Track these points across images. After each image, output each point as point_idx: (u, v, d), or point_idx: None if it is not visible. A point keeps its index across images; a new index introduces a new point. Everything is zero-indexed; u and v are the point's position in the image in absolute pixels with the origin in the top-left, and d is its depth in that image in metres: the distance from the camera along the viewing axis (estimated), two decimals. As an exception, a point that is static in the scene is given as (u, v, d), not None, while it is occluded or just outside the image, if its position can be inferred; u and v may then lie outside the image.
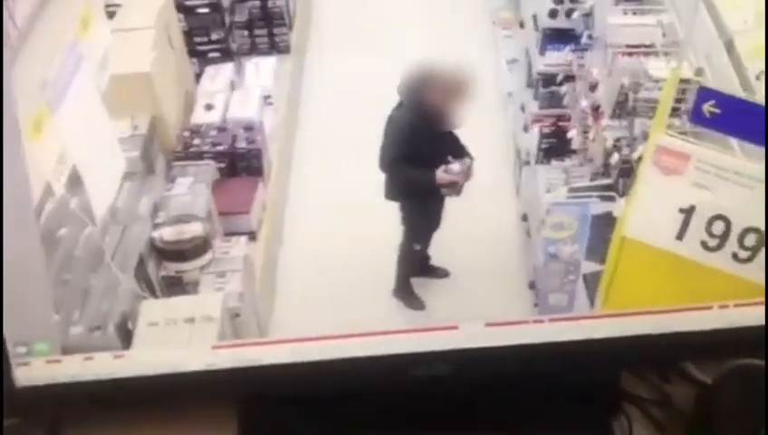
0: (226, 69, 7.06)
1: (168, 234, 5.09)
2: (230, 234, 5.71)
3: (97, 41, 5.63)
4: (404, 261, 6.09)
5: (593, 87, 5.53)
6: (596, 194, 4.87)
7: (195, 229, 5.16)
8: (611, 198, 4.81)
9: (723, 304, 2.86)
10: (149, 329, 4.47)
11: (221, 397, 3.95)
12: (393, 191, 5.66)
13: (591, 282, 4.75)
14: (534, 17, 6.54)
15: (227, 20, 7.46)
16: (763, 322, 2.84)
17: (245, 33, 8.12)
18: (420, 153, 5.33)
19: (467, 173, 5.48)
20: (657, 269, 3.66)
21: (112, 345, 4.30)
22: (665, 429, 3.73)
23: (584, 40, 5.93)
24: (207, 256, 5.21)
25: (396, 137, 5.33)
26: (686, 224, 3.58)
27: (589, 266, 4.80)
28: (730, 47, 4.68)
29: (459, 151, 5.54)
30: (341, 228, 6.88)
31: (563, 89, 6.15)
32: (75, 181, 4.12)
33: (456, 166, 5.51)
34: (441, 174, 5.46)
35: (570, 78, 6.10)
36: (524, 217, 6.45)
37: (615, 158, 4.97)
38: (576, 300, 5.03)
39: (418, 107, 5.21)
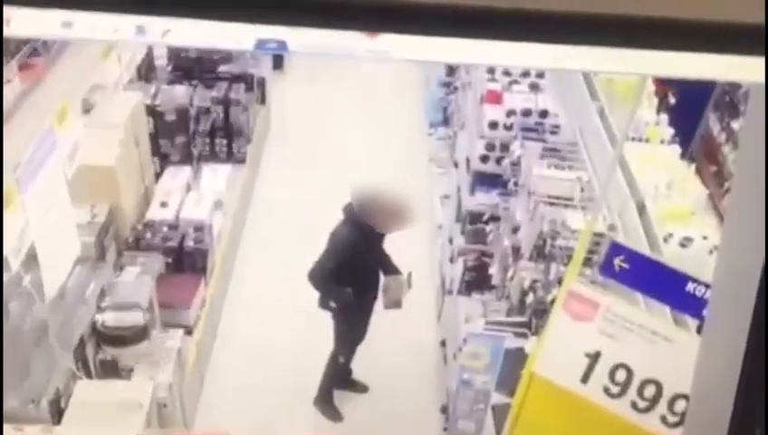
0: (185, 171, 7.04)
1: (110, 319, 4.92)
2: (169, 325, 5.59)
3: (70, 132, 5.52)
4: (329, 372, 6.00)
5: (516, 229, 5.52)
6: (510, 329, 4.81)
7: (136, 318, 5.00)
8: (524, 335, 4.75)
9: (621, 452, 2.79)
10: (80, 408, 4.30)
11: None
12: (324, 301, 5.58)
13: (499, 413, 4.68)
14: (467, 160, 6.60)
15: (192, 127, 7.41)
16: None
17: (207, 140, 8.00)
18: (357, 267, 5.33)
19: (406, 285, 5.53)
20: (561, 408, 3.60)
21: (43, 419, 4.14)
22: None
23: (510, 186, 5.93)
24: (144, 345, 5.04)
25: (337, 249, 5.33)
26: (590, 368, 3.52)
27: (498, 398, 4.73)
28: (641, 209, 4.72)
29: (391, 270, 5.56)
30: (274, 332, 6.84)
31: (488, 227, 6.15)
32: (31, 259, 3.99)
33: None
34: (389, 283, 5.53)
35: (495, 218, 6.11)
36: (443, 343, 6.41)
37: (530, 297, 4.94)
38: (483, 430, 4.94)
39: (361, 227, 5.23)
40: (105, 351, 4.92)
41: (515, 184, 5.84)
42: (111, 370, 4.92)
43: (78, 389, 4.37)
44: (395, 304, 5.54)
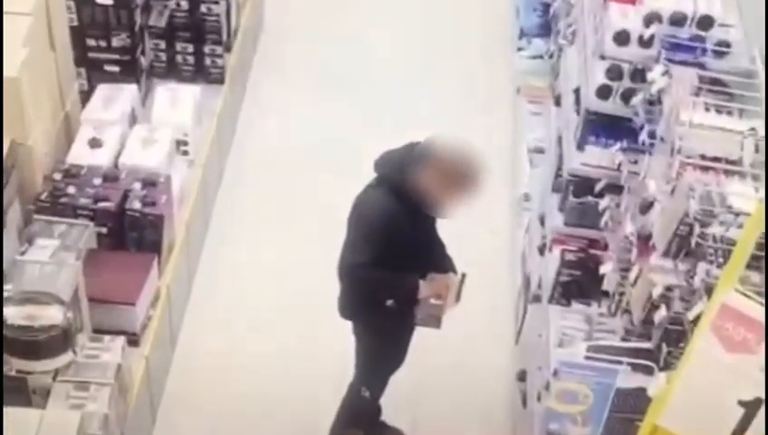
0: (128, 92, 7.22)
1: (13, 316, 5.19)
2: (103, 331, 5.81)
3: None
4: (348, 411, 6.23)
5: (646, 207, 5.63)
6: (627, 359, 4.98)
7: (52, 316, 5.26)
8: (648, 370, 4.92)
9: None
10: (-28, 446, 4.57)
11: None
12: (350, 305, 5.80)
13: (603, 484, 4.96)
14: (577, 93, 6.69)
15: (138, 21, 7.56)
16: None
17: (162, 44, 8.14)
18: (394, 254, 5.39)
19: (454, 295, 5.61)
20: (697, 480, 3.84)
21: None
22: None
23: (643, 137, 5.96)
24: (66, 358, 5.34)
25: (367, 228, 5.47)
26: (746, 423, 3.76)
27: (602, 462, 4.99)
28: None
29: (443, 264, 5.74)
30: (260, 342, 7.08)
31: (603, 202, 6.25)
32: None
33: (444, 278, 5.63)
34: (426, 284, 5.57)
35: (614, 188, 6.20)
36: (521, 376, 6.63)
37: (662, 313, 5.06)
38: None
39: (404, 190, 5.38)
40: (8, 362, 5.22)
41: (651, 135, 5.86)
42: (17, 391, 5.23)
43: (-31, 417, 4.66)
44: (431, 320, 5.66)
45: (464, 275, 5.63)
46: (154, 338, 6.28)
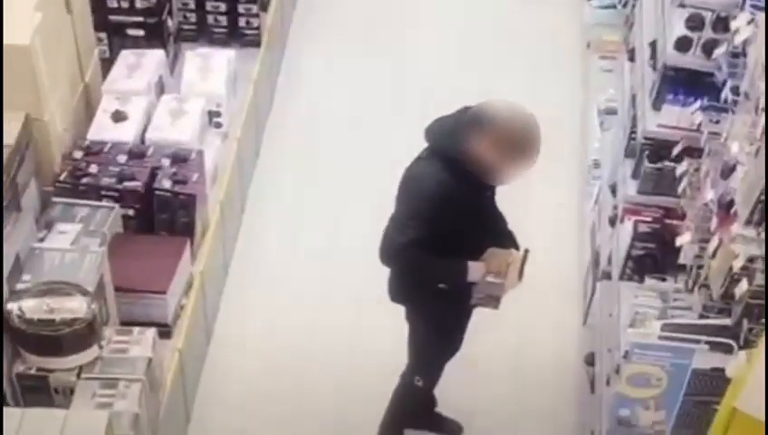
0: (154, 58, 7.33)
1: (32, 309, 5.32)
2: (131, 323, 5.93)
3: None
4: (400, 402, 6.34)
5: (728, 172, 5.65)
6: (705, 337, 5.06)
7: (75, 308, 5.39)
8: (727, 348, 5.00)
9: None
10: (-7, 450, 4.71)
11: None
12: (400, 288, 5.88)
13: (678, 471, 5.04)
14: (653, 46, 6.73)
15: None
16: None
17: (191, 4, 8.21)
18: (448, 231, 5.46)
19: (516, 273, 5.64)
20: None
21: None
22: None
23: (726, 93, 5.94)
24: (91, 353, 5.48)
25: (416, 204, 5.51)
26: None
27: (677, 447, 5.05)
28: None
29: (503, 240, 5.81)
30: (302, 332, 7.22)
31: (681, 167, 6.24)
32: None
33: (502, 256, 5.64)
34: (478, 267, 5.62)
35: (693, 151, 6.20)
36: (590, 359, 6.76)
37: (743, 287, 5.08)
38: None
39: (459, 161, 5.43)
40: (27, 359, 5.37)
41: (735, 91, 5.86)
42: (38, 390, 5.38)
43: (-11, 419, 4.78)
44: (490, 300, 5.71)
45: (527, 252, 5.65)
46: (187, 329, 6.38)
